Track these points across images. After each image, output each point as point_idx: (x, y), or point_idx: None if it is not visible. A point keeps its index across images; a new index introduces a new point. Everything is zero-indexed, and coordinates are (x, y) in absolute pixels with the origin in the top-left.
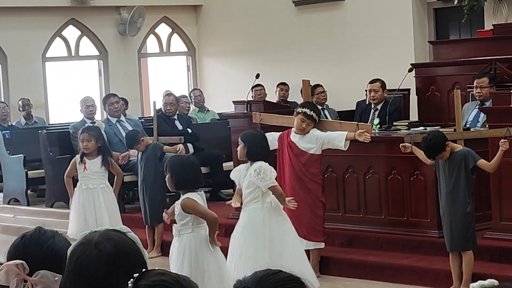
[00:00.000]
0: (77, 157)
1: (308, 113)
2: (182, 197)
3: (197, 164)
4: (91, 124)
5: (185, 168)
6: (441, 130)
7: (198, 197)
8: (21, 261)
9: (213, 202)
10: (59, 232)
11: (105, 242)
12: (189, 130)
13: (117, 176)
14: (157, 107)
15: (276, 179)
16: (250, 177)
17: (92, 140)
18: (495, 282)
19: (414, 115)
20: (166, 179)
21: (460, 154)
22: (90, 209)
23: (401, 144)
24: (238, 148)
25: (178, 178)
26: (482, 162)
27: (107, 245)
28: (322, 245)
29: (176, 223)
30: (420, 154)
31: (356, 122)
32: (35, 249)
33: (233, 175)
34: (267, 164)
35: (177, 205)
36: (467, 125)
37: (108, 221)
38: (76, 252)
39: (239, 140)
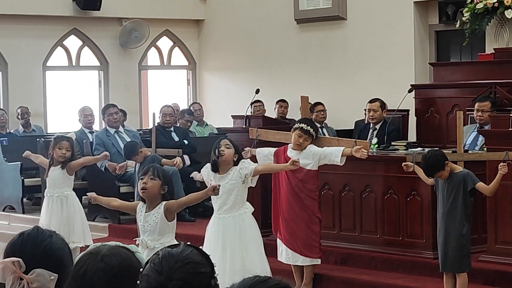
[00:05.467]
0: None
1: (305, 128)
2: (161, 205)
3: None
4: (64, 135)
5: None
6: None
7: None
8: (18, 259)
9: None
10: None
11: (111, 257)
12: (186, 142)
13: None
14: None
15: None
16: (237, 175)
17: (70, 150)
18: None
19: (412, 136)
20: (148, 183)
21: (459, 176)
22: (56, 217)
23: (403, 163)
24: (228, 151)
25: (170, 190)
26: (481, 185)
27: (113, 260)
28: (318, 261)
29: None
30: (421, 173)
31: (354, 139)
32: (32, 248)
33: (204, 172)
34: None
35: (152, 216)
36: (466, 148)
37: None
38: (82, 261)
39: (229, 143)
